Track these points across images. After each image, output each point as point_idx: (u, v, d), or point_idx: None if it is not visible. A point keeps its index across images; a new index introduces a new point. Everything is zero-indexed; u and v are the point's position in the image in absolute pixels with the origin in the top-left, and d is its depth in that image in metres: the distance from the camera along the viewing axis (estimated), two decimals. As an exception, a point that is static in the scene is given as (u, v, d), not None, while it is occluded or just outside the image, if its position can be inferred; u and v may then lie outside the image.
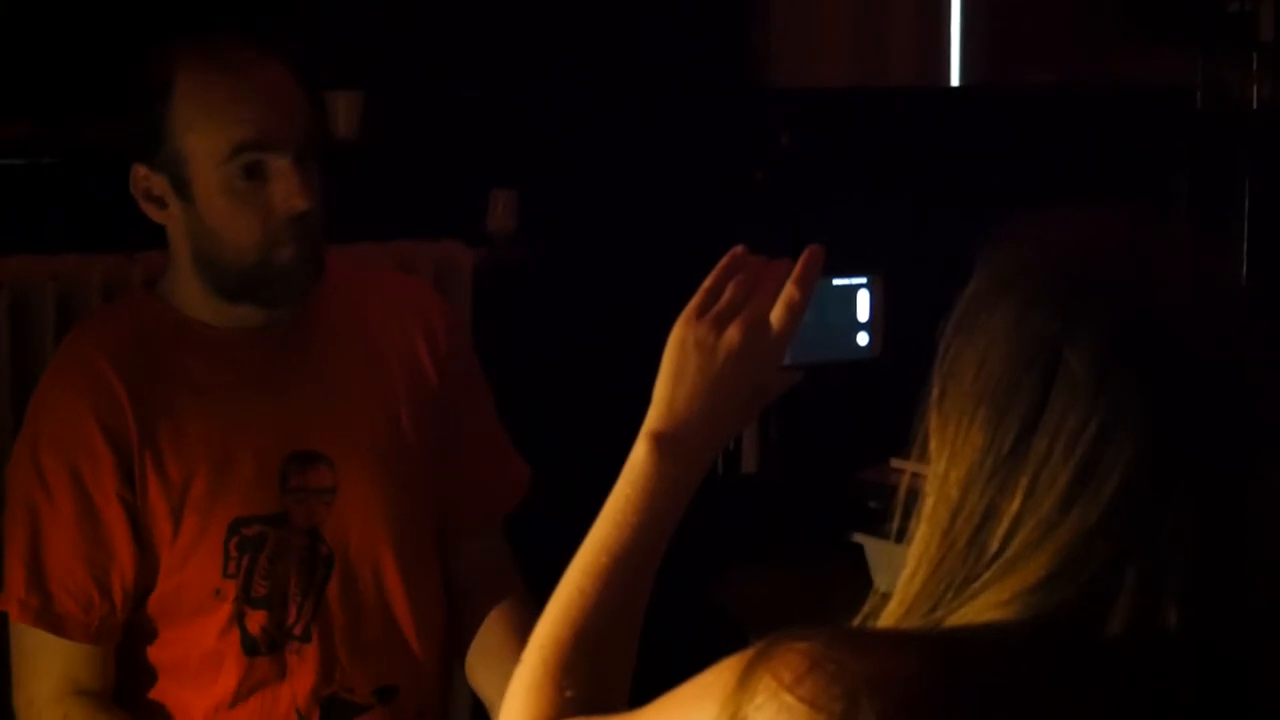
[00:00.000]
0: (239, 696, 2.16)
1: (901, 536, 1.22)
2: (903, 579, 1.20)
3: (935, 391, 1.20)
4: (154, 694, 2.18)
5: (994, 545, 1.15)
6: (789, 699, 1.10)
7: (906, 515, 1.22)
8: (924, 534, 1.19)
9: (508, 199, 3.57)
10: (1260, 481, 1.15)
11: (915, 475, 1.23)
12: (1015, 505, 1.14)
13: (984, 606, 1.15)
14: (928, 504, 1.19)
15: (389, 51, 3.53)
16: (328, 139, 2.19)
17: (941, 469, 1.18)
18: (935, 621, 1.16)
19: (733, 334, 1.41)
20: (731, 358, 1.41)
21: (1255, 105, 3.60)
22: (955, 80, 3.97)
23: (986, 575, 1.15)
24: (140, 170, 2.14)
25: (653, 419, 1.42)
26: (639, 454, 1.41)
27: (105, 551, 2.12)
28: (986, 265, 1.20)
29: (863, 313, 1.49)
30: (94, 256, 2.97)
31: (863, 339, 1.49)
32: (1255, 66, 3.60)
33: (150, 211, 2.16)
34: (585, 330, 3.57)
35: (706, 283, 1.43)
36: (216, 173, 2.09)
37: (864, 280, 1.49)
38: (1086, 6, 3.87)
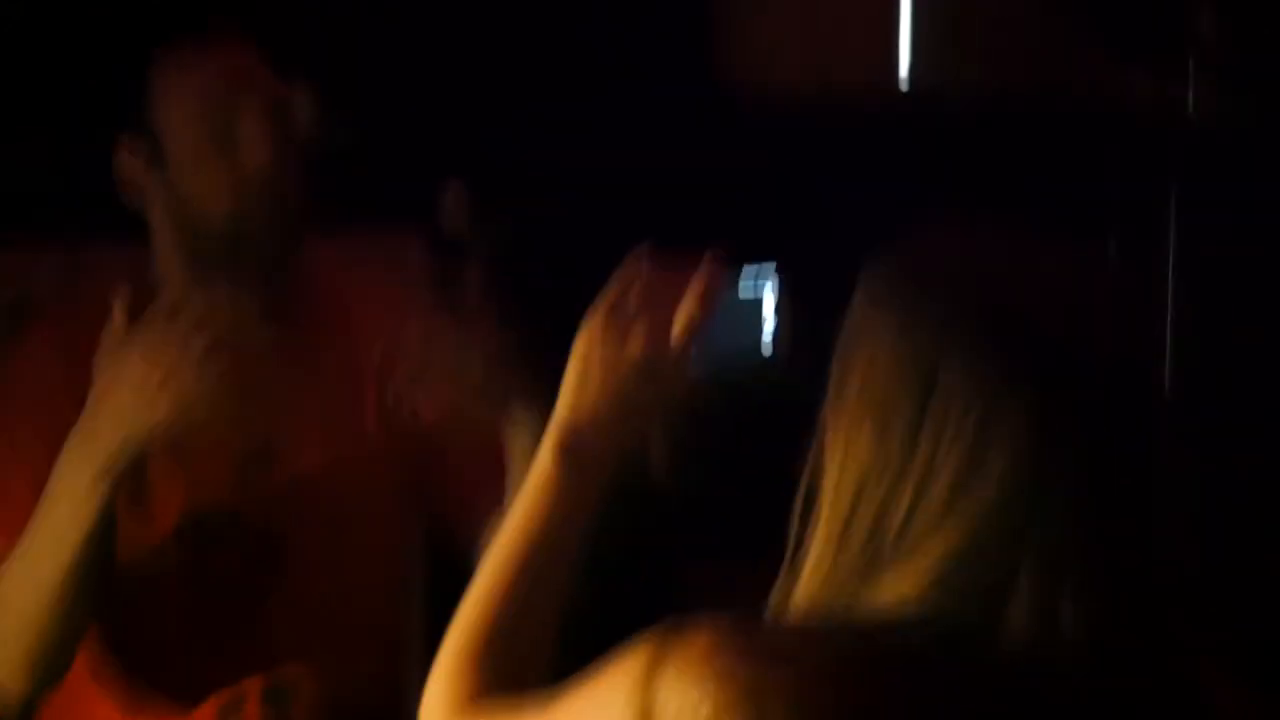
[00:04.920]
0: None
1: (800, 540, 1.26)
2: (804, 577, 1.24)
3: (826, 403, 1.25)
4: None
5: (889, 538, 1.19)
6: (697, 674, 1.14)
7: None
8: (822, 535, 1.23)
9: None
10: (1150, 481, 1.19)
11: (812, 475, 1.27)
12: (905, 504, 1.18)
13: (886, 591, 1.19)
14: (824, 510, 1.23)
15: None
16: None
17: (834, 477, 1.23)
18: (841, 611, 1.20)
19: (634, 345, 1.46)
20: (633, 368, 1.46)
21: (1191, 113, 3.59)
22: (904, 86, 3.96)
23: (884, 563, 1.19)
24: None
25: (556, 424, 1.47)
26: (543, 457, 1.46)
27: None
28: (868, 283, 1.25)
29: (768, 325, 1.52)
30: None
31: (766, 349, 1.53)
32: (1191, 77, 3.59)
33: None
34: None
35: (610, 294, 1.48)
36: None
37: (769, 287, 1.51)
38: (1032, 14, 3.85)
